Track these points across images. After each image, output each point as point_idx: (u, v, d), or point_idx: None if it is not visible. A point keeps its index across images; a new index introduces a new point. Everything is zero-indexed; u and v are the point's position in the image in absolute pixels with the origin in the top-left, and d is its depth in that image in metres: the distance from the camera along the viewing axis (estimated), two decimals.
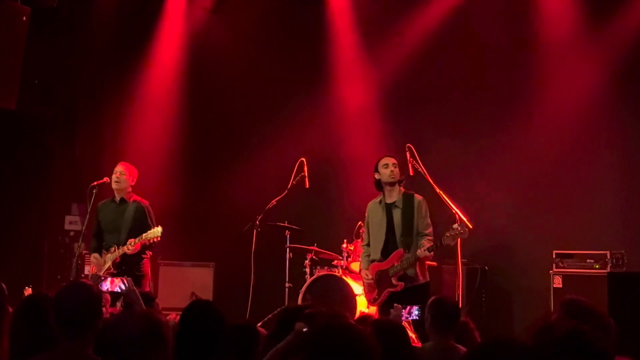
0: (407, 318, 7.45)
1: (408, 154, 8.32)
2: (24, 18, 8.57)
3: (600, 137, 9.21)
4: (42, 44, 9.47)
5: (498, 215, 9.36)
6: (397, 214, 7.21)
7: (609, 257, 8.16)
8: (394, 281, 7.09)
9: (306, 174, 9.05)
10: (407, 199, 7.23)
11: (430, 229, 7.22)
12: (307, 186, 9.09)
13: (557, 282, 8.30)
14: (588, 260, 8.29)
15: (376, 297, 7.25)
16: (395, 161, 7.31)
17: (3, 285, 4.50)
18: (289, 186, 9.06)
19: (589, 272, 8.20)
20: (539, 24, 9.43)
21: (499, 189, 9.41)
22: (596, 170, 9.14)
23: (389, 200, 7.30)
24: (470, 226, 7.76)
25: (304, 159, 9.12)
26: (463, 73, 9.85)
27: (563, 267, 8.39)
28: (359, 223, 8.91)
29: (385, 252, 7.23)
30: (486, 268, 8.98)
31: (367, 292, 7.43)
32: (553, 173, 9.26)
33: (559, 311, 3.39)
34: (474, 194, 9.29)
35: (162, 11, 10.89)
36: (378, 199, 7.44)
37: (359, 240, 8.81)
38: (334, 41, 10.59)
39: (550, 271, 8.42)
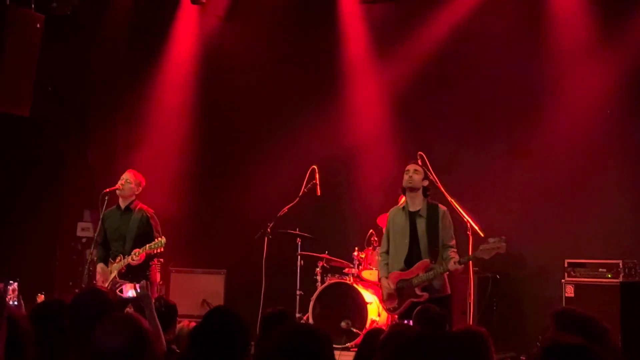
0: None
1: (419, 162, 8.34)
2: (38, 25, 8.62)
3: (612, 146, 9.19)
4: (56, 51, 9.53)
5: (510, 224, 9.32)
6: (421, 223, 7.08)
7: (621, 266, 8.12)
8: (417, 291, 6.93)
9: (317, 182, 9.05)
10: (432, 209, 7.12)
11: (454, 241, 7.11)
12: (319, 194, 9.09)
13: (569, 291, 8.26)
14: (600, 270, 8.24)
15: (396, 306, 7.09)
16: (417, 168, 7.22)
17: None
18: (300, 194, 9.07)
19: (601, 282, 8.16)
20: (552, 33, 9.42)
21: (510, 198, 9.40)
22: (608, 178, 9.12)
23: (412, 209, 7.16)
24: (482, 234, 7.77)
25: (315, 167, 9.13)
26: (475, 81, 9.83)
27: (575, 276, 8.34)
28: (370, 231, 8.90)
29: (409, 262, 7.08)
30: (497, 277, 8.96)
31: (386, 300, 7.25)
32: (565, 181, 9.24)
33: (552, 324, 3.36)
34: (486, 202, 9.27)
35: (175, 19, 10.94)
36: (401, 206, 7.35)
37: (370, 248, 8.82)
38: (346, 48, 10.60)
39: (562, 280, 8.39)
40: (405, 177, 7.19)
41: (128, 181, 7.91)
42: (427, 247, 7.02)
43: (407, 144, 9.71)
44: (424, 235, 7.04)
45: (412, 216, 7.14)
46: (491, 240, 6.83)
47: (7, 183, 10.11)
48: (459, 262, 6.87)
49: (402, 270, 7.10)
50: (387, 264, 7.29)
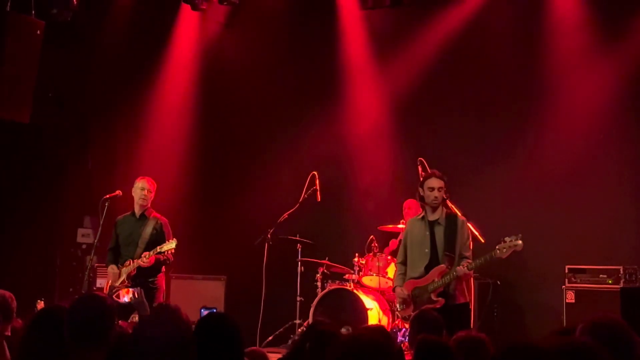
0: (402, 341, 7.42)
1: (420, 168, 8.34)
2: (38, 32, 8.61)
3: (613, 151, 9.18)
4: (56, 57, 9.52)
5: (510, 230, 9.27)
6: (439, 231, 7.04)
7: (621, 272, 8.11)
8: (433, 297, 6.86)
9: (318, 188, 9.07)
10: (451, 218, 7.08)
11: (470, 253, 7.04)
12: (319, 200, 9.10)
13: (570, 297, 8.25)
14: (601, 276, 8.23)
15: (411, 314, 6.79)
16: (442, 184, 7.03)
17: (9, 294, 4.50)
18: (300, 200, 9.09)
19: (602, 287, 8.15)
20: (551, 38, 9.42)
21: (510, 203, 9.38)
22: (609, 184, 9.11)
23: (431, 218, 7.10)
24: (483, 240, 7.76)
25: (315, 173, 9.14)
26: (475, 87, 9.84)
27: (576, 282, 8.34)
28: (371, 237, 8.90)
29: (429, 269, 6.99)
30: (498, 282, 8.93)
31: (401, 309, 7.21)
32: (565, 187, 9.23)
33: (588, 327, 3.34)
34: (486, 208, 9.26)
35: (175, 25, 10.95)
36: (420, 216, 7.23)
37: (371, 254, 8.81)
38: (346, 55, 10.61)
39: (563, 286, 8.38)
40: (430, 194, 7.02)
41: (150, 191, 8.10)
42: (444, 252, 6.97)
43: (408, 149, 9.72)
44: (442, 241, 7.00)
45: (432, 225, 7.09)
46: (507, 238, 6.75)
47: (7, 189, 10.10)
48: (470, 266, 6.80)
49: (418, 277, 7.02)
50: (403, 274, 7.22)
